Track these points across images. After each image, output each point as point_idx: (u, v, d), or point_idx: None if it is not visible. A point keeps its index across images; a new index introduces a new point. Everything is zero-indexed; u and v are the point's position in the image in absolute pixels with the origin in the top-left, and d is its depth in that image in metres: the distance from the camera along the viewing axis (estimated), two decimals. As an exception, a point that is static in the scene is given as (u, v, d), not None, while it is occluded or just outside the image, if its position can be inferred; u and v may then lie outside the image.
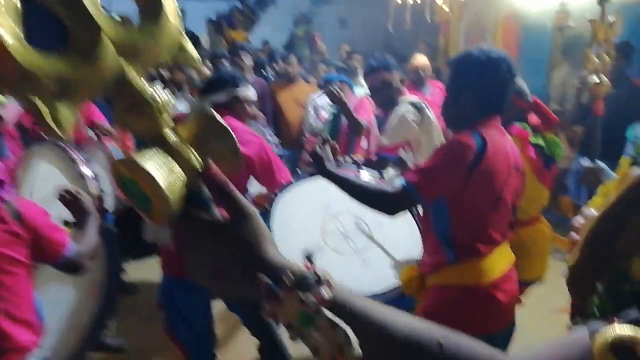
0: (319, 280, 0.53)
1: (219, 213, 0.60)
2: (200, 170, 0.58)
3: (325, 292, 0.53)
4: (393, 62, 2.86)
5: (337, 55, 6.56)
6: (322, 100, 4.11)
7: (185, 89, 4.34)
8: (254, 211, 0.59)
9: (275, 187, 2.42)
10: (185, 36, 0.60)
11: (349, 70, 4.71)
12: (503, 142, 1.81)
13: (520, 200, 2.30)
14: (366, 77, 3.03)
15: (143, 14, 0.57)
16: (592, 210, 1.44)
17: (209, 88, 2.40)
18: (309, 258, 0.56)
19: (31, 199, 2.10)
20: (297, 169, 3.84)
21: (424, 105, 2.77)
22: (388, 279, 2.16)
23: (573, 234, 1.51)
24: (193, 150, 0.58)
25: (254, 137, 2.36)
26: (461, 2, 6.62)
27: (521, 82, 2.35)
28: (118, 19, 0.54)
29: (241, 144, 2.40)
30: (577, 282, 0.96)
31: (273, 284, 0.53)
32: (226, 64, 4.40)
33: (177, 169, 0.57)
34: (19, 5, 0.50)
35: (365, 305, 0.55)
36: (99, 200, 2.54)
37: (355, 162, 2.47)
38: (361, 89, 4.18)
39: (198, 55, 0.61)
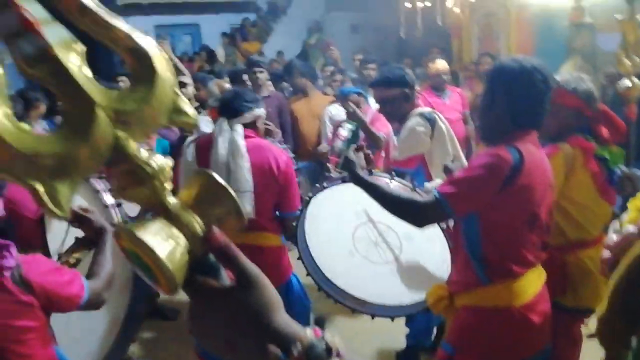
0: (328, 350, 0.52)
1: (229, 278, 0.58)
2: (203, 235, 0.57)
3: None
4: (399, 73, 2.73)
5: (352, 65, 6.53)
6: (337, 110, 4.09)
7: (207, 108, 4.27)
8: (262, 276, 0.57)
9: (288, 209, 2.42)
10: (182, 97, 0.58)
11: (364, 81, 4.67)
12: (540, 157, 1.74)
13: (582, 219, 2.16)
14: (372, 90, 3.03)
15: (135, 78, 0.56)
16: (630, 227, 1.34)
17: (232, 111, 2.42)
18: (319, 323, 0.55)
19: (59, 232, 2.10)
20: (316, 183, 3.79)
21: (435, 117, 2.69)
22: (417, 292, 2.11)
23: (605, 252, 1.40)
24: (195, 216, 0.57)
25: (283, 153, 2.48)
26: (471, 2, 6.54)
27: (589, 86, 2.17)
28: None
29: (272, 160, 2.46)
30: (609, 335, 0.88)
31: (282, 354, 0.52)
32: (246, 79, 4.40)
33: (179, 236, 0.56)
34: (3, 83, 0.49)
35: None
36: None
37: (388, 172, 2.40)
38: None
39: (195, 118, 0.60)
